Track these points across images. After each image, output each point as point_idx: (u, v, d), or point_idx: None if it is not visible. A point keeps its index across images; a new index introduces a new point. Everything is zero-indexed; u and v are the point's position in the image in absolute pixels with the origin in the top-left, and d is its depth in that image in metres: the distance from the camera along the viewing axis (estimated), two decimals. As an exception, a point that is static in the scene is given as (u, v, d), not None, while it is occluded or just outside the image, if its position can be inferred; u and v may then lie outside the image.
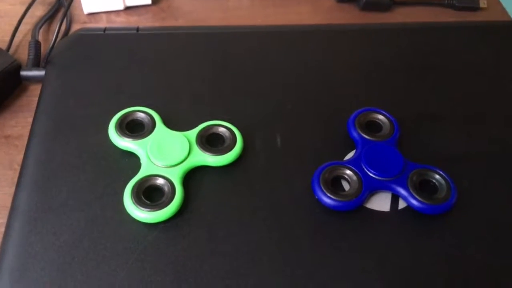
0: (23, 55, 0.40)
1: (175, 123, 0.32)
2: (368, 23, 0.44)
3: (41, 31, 0.42)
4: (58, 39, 0.39)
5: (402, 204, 0.29)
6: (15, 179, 0.32)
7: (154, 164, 0.29)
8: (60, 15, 0.44)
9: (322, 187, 0.29)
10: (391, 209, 0.29)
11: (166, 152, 0.30)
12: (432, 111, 0.34)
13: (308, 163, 0.31)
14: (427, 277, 0.27)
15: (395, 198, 0.30)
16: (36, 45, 0.39)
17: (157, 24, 0.44)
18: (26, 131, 0.35)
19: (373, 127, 0.32)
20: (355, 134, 0.31)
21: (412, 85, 0.36)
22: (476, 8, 0.46)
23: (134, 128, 0.31)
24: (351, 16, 0.46)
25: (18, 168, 0.33)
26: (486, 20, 0.46)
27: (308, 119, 0.33)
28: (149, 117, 0.31)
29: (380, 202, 0.29)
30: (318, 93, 0.35)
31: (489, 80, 0.37)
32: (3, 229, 0.30)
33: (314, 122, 0.33)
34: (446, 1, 0.46)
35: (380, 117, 0.32)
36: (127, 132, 0.31)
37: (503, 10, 0.47)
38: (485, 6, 0.46)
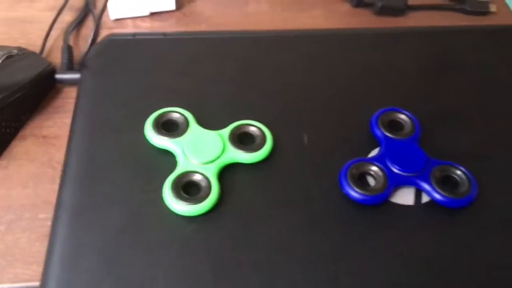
0: (55, 58, 0.41)
1: (207, 123, 0.34)
2: (384, 27, 0.46)
3: (70, 36, 0.44)
4: (89, 44, 0.41)
5: (425, 199, 0.31)
6: (55, 176, 0.34)
7: (191, 161, 0.31)
8: (87, 21, 0.45)
9: (350, 182, 0.30)
10: (415, 203, 0.31)
11: (201, 150, 0.31)
12: (449, 111, 0.36)
13: (334, 160, 0.32)
14: (450, 267, 0.29)
15: (418, 193, 0.31)
16: (69, 49, 0.40)
17: (180, 28, 0.46)
18: (62, 131, 0.37)
19: (394, 126, 0.34)
20: (378, 133, 0.33)
21: (429, 86, 0.38)
22: (486, 13, 0.48)
23: (169, 128, 0.33)
24: (366, 21, 0.47)
25: (57, 166, 0.35)
26: (496, 24, 0.47)
27: (332, 119, 0.35)
28: (183, 117, 0.33)
29: (404, 197, 0.31)
30: (339, 94, 0.37)
31: (501, 80, 0.39)
32: (47, 223, 0.32)
33: (337, 122, 0.35)
34: (457, 6, 0.48)
35: (402, 116, 0.34)
36: (164, 131, 0.32)
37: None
38: (495, 10, 0.48)
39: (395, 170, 0.31)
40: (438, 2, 0.49)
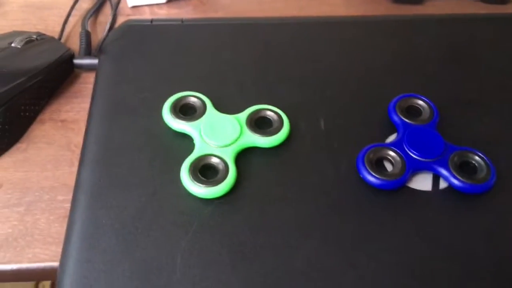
0: (73, 44, 0.42)
1: (224, 107, 0.34)
2: (402, 14, 0.46)
3: (88, 22, 0.44)
4: (107, 30, 0.41)
5: (443, 184, 0.31)
6: (73, 159, 0.34)
7: (208, 144, 0.31)
8: (105, 8, 0.46)
9: (367, 167, 0.30)
10: (433, 189, 0.31)
11: (219, 133, 0.31)
12: (468, 97, 0.36)
13: (351, 145, 0.32)
14: (467, 253, 0.29)
15: (436, 178, 0.31)
16: (87, 34, 0.41)
17: (197, 16, 0.46)
18: (80, 116, 0.37)
19: (413, 112, 0.34)
20: (396, 118, 0.33)
21: (447, 74, 0.37)
22: (505, 1, 0.47)
23: (186, 112, 0.33)
24: (383, 8, 0.47)
25: (75, 149, 0.35)
26: (516, 13, 0.47)
27: (349, 105, 0.35)
28: (200, 101, 0.33)
29: (422, 182, 0.31)
30: (357, 80, 0.37)
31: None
32: (65, 205, 0.32)
33: (354, 107, 0.35)
34: (476, -6, 0.48)
35: (420, 102, 0.34)
36: (181, 115, 0.32)
37: (532, 3, 0.48)
38: (514, -1, 0.47)
39: (413, 155, 0.31)
40: (456, -10, 0.48)
